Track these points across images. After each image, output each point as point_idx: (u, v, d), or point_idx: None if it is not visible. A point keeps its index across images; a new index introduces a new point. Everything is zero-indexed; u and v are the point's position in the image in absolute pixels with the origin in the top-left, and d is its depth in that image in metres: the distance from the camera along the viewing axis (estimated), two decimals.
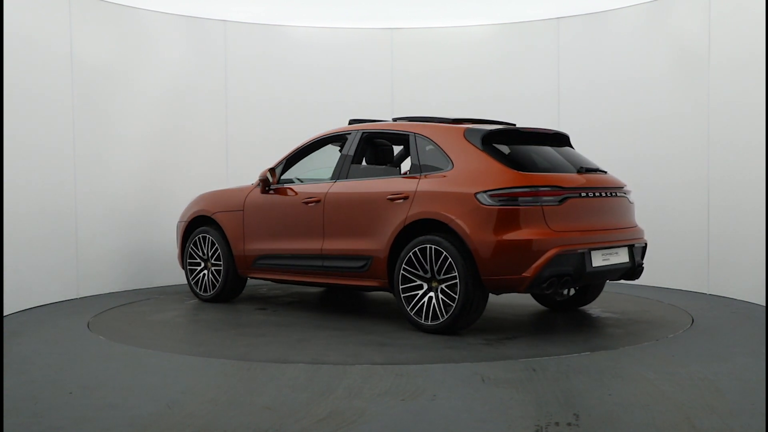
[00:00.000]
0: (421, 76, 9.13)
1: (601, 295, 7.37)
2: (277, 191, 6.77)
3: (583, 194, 5.57)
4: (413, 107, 8.70)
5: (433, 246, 5.52)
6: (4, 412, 3.62)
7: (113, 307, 6.87)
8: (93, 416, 3.61)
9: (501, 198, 5.31)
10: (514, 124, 6.35)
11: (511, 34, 8.96)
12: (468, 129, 5.76)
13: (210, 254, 7.30)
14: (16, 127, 6.47)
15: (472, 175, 5.52)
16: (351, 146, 6.40)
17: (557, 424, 3.45)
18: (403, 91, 9.14)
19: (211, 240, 7.25)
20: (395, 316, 6.35)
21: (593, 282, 6.02)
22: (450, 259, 5.43)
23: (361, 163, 6.41)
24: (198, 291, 7.36)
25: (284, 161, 6.91)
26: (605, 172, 6.03)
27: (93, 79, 7.56)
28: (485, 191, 5.35)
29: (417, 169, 5.88)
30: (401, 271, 5.70)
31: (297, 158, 6.91)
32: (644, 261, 6.09)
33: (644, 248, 6.06)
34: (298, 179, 6.90)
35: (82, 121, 7.42)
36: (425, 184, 5.70)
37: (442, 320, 5.48)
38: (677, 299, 7.04)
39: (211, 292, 7.23)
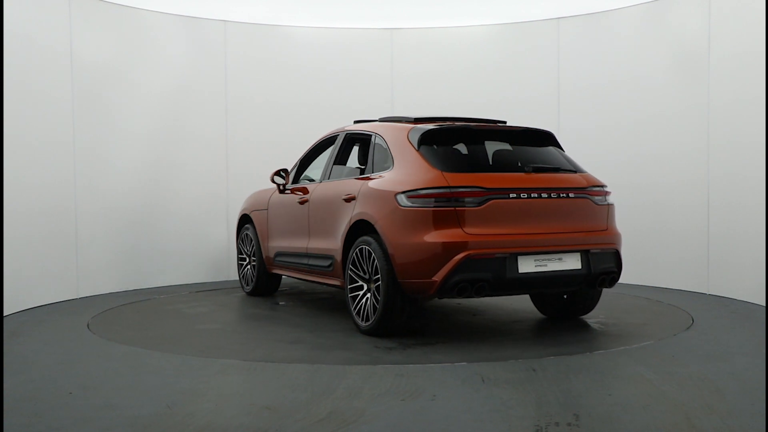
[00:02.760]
0: (421, 76, 9.12)
1: (601, 295, 7.37)
2: (292, 191, 6.91)
3: (513, 195, 5.19)
4: (413, 107, 8.70)
5: (366, 247, 5.48)
6: (4, 412, 3.62)
7: (113, 307, 6.87)
8: (93, 416, 3.61)
9: (416, 199, 5.16)
10: (505, 122, 6.28)
11: (511, 34, 8.96)
12: (412, 129, 5.64)
13: (250, 251, 7.66)
14: (16, 127, 6.47)
15: (402, 175, 5.40)
16: (336, 148, 6.54)
17: (557, 424, 3.44)
18: (403, 91, 9.14)
19: (250, 237, 7.63)
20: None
21: (528, 290, 5.46)
22: (376, 260, 5.37)
23: (345, 163, 6.46)
24: (243, 284, 7.83)
25: (298, 162, 7.13)
26: (575, 171, 5.62)
27: (93, 79, 7.56)
28: (403, 192, 5.23)
29: (370, 170, 5.86)
30: (348, 271, 5.71)
31: (308, 158, 7.11)
32: (616, 268, 5.52)
33: (614, 255, 5.52)
34: (311, 179, 7.03)
35: (82, 121, 7.42)
36: (367, 185, 5.66)
37: (370, 322, 5.46)
38: (677, 299, 7.03)
39: (250, 286, 7.65)
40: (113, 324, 6.11)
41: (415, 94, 9.07)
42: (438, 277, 5.03)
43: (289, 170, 7.14)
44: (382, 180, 5.54)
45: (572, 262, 5.32)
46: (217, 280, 8.73)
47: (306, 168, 7.11)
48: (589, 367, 4.55)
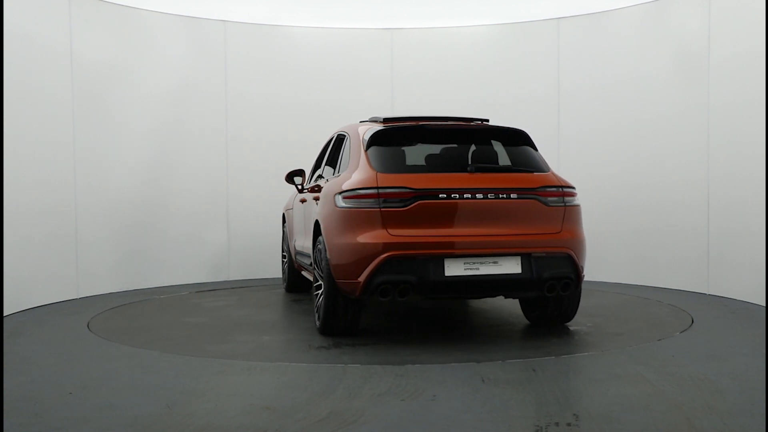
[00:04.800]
0: (421, 76, 9.12)
1: (601, 295, 7.38)
2: (309, 190, 6.93)
3: (443, 195, 5.03)
4: (413, 107, 8.70)
5: (320, 246, 5.52)
6: (4, 412, 3.62)
7: (113, 307, 6.87)
8: (93, 416, 3.61)
9: (349, 200, 5.14)
10: (487, 120, 6.07)
11: (511, 35, 8.96)
12: (367, 130, 5.61)
13: (287, 248, 7.84)
14: (17, 127, 6.47)
15: (347, 177, 5.40)
16: (329, 148, 6.60)
17: (557, 424, 3.44)
18: (403, 91, 9.14)
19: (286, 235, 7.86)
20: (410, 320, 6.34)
21: (461, 294, 5.34)
22: (323, 260, 5.39)
23: (334, 164, 6.51)
24: (283, 280, 8.21)
25: (315, 161, 7.26)
26: (532, 171, 5.38)
27: (93, 79, 7.56)
28: (340, 193, 5.23)
29: (337, 170, 5.89)
30: (314, 271, 5.76)
31: (320, 158, 7.19)
32: (572, 274, 5.18)
33: (566, 259, 5.17)
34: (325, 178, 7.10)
35: (82, 120, 7.42)
36: (327, 185, 5.69)
37: (319, 322, 5.49)
38: (677, 299, 7.03)
39: (285, 283, 8.00)
40: (113, 324, 6.11)
41: (415, 94, 9.08)
42: (362, 278, 4.98)
43: (305, 170, 7.17)
44: (335, 181, 5.59)
45: (510, 266, 5.06)
46: (218, 280, 8.73)
47: (319, 167, 7.15)
48: (589, 367, 4.55)
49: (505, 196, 5.12)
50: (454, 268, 4.98)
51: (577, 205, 5.41)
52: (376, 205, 5.04)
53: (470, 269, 5.00)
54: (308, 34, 9.14)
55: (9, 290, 6.24)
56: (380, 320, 6.22)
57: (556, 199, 5.27)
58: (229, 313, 6.68)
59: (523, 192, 5.18)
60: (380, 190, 5.05)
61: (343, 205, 5.16)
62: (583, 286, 7.87)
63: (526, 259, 5.08)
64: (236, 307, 7.04)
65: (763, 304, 6.48)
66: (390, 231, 5.00)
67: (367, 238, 5.00)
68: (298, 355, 4.95)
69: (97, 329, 5.84)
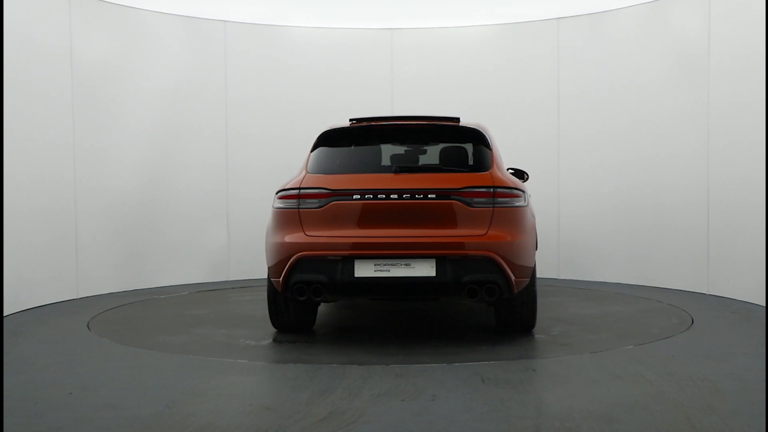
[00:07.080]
0: (421, 75, 9.12)
1: (600, 295, 7.38)
2: None
3: (357, 197, 5.02)
4: (412, 107, 8.70)
5: None
6: (4, 412, 3.62)
7: (113, 307, 6.87)
8: (93, 416, 3.61)
9: (280, 200, 5.25)
10: (458, 119, 5.73)
11: (510, 35, 8.96)
12: (322, 131, 5.66)
13: None
14: (17, 127, 6.47)
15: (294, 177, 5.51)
16: None
17: (557, 424, 3.45)
18: (402, 91, 9.13)
19: None
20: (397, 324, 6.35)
21: (373, 295, 5.42)
22: None
23: None
24: None
25: None
26: (463, 171, 5.24)
27: (93, 79, 7.56)
28: (276, 194, 5.32)
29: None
30: None
31: None
32: (499, 278, 4.89)
33: (490, 263, 4.89)
34: None
35: (82, 120, 7.42)
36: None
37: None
38: (677, 299, 7.04)
39: None
40: (113, 324, 6.11)
41: (414, 95, 9.07)
42: (281, 278, 5.08)
43: None
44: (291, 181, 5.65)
45: (424, 269, 4.93)
46: (218, 280, 8.73)
47: None
48: (588, 367, 4.55)
49: (422, 196, 5.01)
50: (364, 270, 4.98)
51: (515, 207, 5.11)
52: (296, 206, 5.14)
53: (380, 271, 4.97)
54: (308, 34, 9.14)
55: (9, 290, 6.25)
56: (361, 320, 6.23)
57: (484, 200, 5.04)
58: (235, 309, 6.70)
59: (444, 192, 5.02)
60: (301, 191, 5.16)
61: (276, 205, 5.30)
62: (583, 285, 7.96)
63: (442, 261, 4.93)
64: (256, 302, 7.04)
65: (763, 304, 6.48)
66: (306, 231, 5.10)
67: (286, 238, 5.13)
68: (219, 350, 5.08)
69: (97, 329, 5.84)
